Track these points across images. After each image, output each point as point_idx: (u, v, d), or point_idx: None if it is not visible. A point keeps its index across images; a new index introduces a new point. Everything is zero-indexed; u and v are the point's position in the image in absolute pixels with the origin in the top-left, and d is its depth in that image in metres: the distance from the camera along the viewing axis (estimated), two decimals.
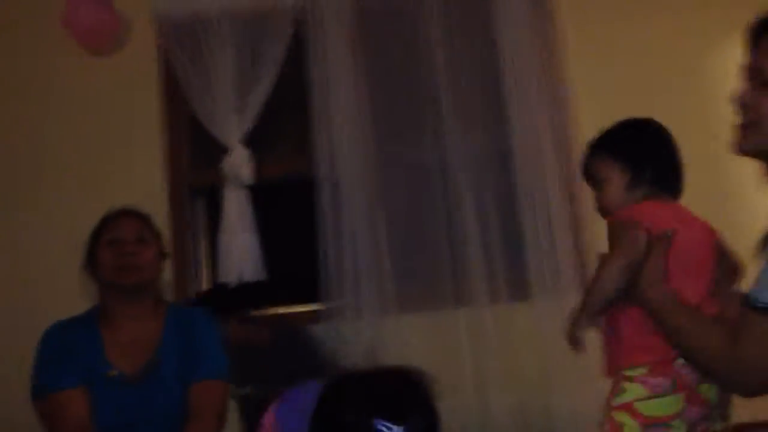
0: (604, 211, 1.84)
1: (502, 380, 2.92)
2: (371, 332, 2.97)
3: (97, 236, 1.96)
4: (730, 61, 1.63)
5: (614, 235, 1.68)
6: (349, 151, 3.08)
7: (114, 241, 1.90)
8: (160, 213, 3.14)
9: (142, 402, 1.80)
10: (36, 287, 2.85)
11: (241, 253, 3.05)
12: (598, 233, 3.06)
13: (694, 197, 1.84)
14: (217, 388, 1.89)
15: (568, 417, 2.83)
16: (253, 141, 3.12)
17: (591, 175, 1.85)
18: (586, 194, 3.10)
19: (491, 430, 2.85)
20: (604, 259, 1.69)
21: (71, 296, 2.04)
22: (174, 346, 1.90)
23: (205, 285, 3.26)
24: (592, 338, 2.91)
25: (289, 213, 3.30)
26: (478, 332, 2.98)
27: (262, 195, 3.15)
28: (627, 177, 1.73)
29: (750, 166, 1.55)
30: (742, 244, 1.68)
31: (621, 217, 1.70)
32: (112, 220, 1.97)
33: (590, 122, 3.05)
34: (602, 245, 2.89)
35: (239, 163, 3.05)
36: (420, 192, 3.13)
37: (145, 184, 3.15)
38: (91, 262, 1.95)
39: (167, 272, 3.02)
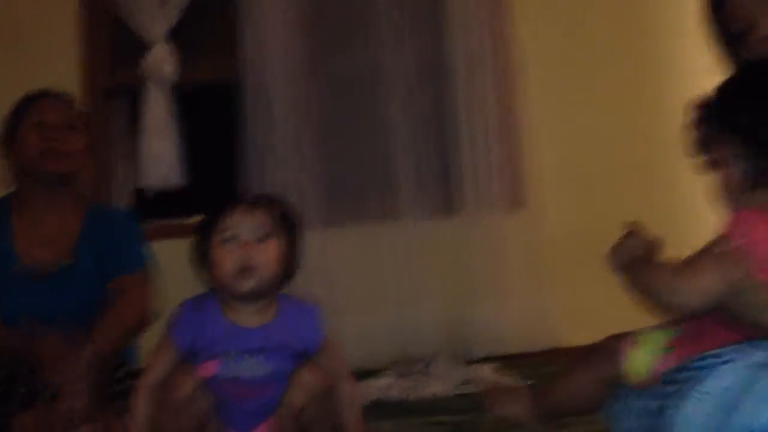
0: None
1: (428, 295, 2.90)
2: None
3: (19, 116, 1.76)
4: None
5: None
6: (277, 55, 2.95)
7: (42, 124, 1.74)
8: None
9: (54, 298, 1.66)
10: None
11: (161, 157, 2.92)
12: (531, 149, 3.16)
13: None
14: (140, 281, 1.75)
15: (491, 328, 2.84)
16: (177, 40, 2.96)
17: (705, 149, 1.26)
18: (522, 109, 3.13)
19: (417, 344, 2.84)
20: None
21: None
22: (92, 243, 1.75)
23: (124, 191, 3.13)
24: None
25: (212, 118, 3.16)
26: (404, 247, 2.94)
27: (184, 99, 3.01)
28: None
29: None
30: None
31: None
32: (39, 100, 1.79)
33: (532, 34, 3.08)
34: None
35: (161, 59, 2.90)
36: (350, 102, 3.03)
37: (59, 83, 2.97)
38: (9, 144, 1.78)
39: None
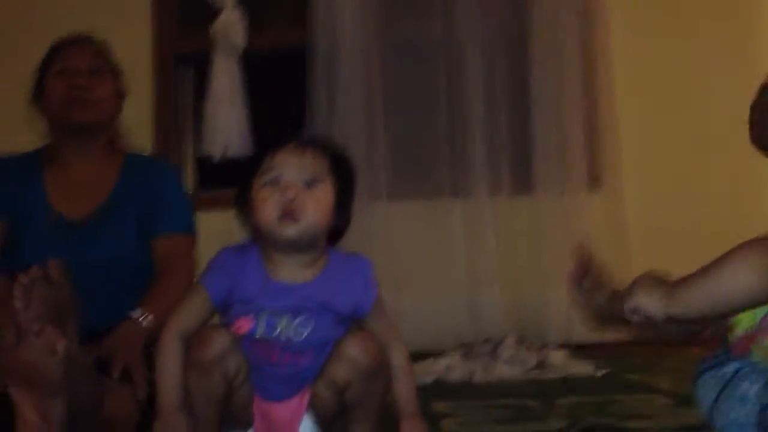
0: None
1: (497, 276, 2.74)
2: (359, 218, 2.78)
3: (45, 66, 1.70)
4: None
5: None
6: (350, 23, 2.84)
7: (64, 71, 1.67)
8: (143, 81, 2.99)
9: (88, 249, 1.59)
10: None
11: (227, 124, 2.85)
12: (615, 131, 2.98)
13: None
14: (185, 242, 1.66)
15: (561, 318, 2.67)
16: (246, 6, 2.87)
17: None
18: (605, 85, 2.95)
19: (483, 326, 2.69)
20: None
21: None
22: (131, 194, 1.67)
23: (189, 158, 3.08)
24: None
25: (281, 87, 3.07)
26: (474, 225, 2.80)
27: (252, 67, 2.93)
28: None
29: None
30: None
31: None
32: (63, 47, 1.73)
33: (620, 13, 2.89)
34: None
35: (231, 24, 2.82)
36: (423, 71, 2.89)
37: (128, 48, 2.92)
38: (39, 95, 1.72)
39: (147, 142, 2.95)
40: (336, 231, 1.21)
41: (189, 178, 3.09)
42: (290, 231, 1.12)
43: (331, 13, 2.85)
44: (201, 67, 2.99)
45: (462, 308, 2.77)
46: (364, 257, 1.22)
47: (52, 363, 1.17)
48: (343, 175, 1.19)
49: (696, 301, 0.97)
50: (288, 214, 1.12)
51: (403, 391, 1.18)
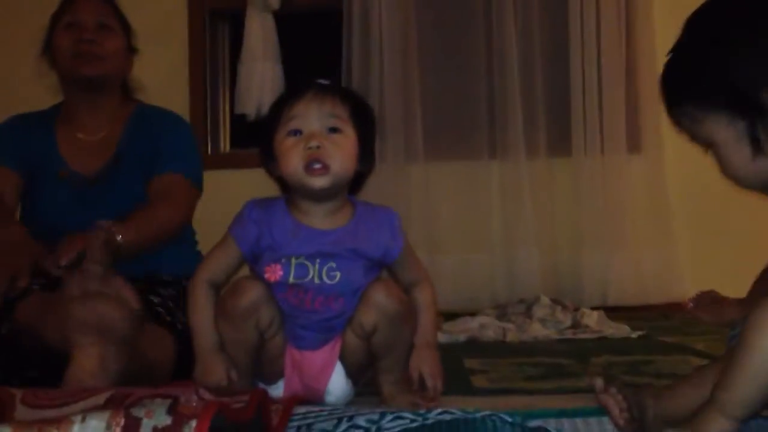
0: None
1: (533, 237, 2.72)
2: (395, 178, 2.77)
3: (55, 19, 1.68)
4: None
5: None
6: None
7: (73, 25, 1.66)
8: (179, 36, 2.99)
9: (98, 204, 1.59)
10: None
11: (261, 82, 2.83)
12: (655, 93, 2.88)
13: None
14: (181, 183, 1.61)
15: (597, 281, 2.64)
16: None
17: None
18: (646, 46, 2.86)
19: (518, 287, 2.68)
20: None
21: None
22: (136, 145, 1.65)
23: (222, 116, 3.08)
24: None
25: (316, 45, 3.04)
26: (512, 186, 2.76)
27: (287, 25, 2.91)
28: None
29: None
30: None
31: None
32: (73, 1, 1.71)
33: None
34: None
35: None
36: (460, 31, 2.84)
37: (164, 5, 2.94)
38: (49, 48, 1.72)
39: (182, 101, 2.95)
40: (360, 177, 1.20)
41: (225, 137, 3.11)
42: (319, 180, 1.11)
43: None
44: (236, 24, 2.98)
45: (498, 269, 2.75)
46: (391, 209, 1.21)
47: (126, 316, 1.20)
48: (364, 120, 1.18)
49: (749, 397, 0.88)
50: (315, 162, 1.11)
51: (423, 323, 1.20)
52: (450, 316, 2.39)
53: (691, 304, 1.51)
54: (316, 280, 1.12)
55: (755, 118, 0.90)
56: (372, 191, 2.58)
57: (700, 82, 0.95)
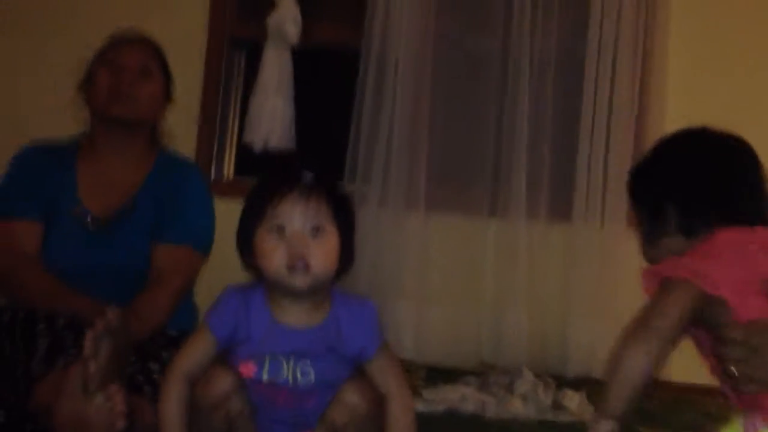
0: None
1: (524, 299, 2.71)
2: (394, 224, 2.77)
3: (99, 57, 1.73)
4: None
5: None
6: (405, 26, 2.80)
7: (114, 65, 1.68)
8: (195, 61, 3.00)
9: (109, 246, 1.60)
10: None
11: (272, 116, 2.84)
12: None
13: None
14: (184, 255, 1.64)
15: (584, 351, 2.63)
16: (304, 2, 2.85)
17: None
18: (655, 120, 2.88)
19: (504, 348, 2.68)
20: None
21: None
22: (153, 198, 1.67)
23: (229, 145, 3.08)
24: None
25: (330, 83, 3.05)
26: (508, 246, 2.76)
27: (304, 61, 2.92)
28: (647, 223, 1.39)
29: None
30: None
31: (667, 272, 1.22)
32: (119, 42, 1.74)
33: (682, 41, 2.80)
34: None
35: (286, 18, 2.81)
36: (474, 84, 2.85)
37: (183, 27, 2.95)
38: (88, 83, 1.73)
39: (191, 125, 2.96)
40: (343, 269, 1.21)
41: (230, 164, 3.11)
42: (301, 282, 1.12)
43: (389, 18, 2.81)
44: (253, 55, 2.99)
45: (485, 327, 2.75)
46: (369, 301, 1.22)
47: (113, 428, 1.20)
48: (345, 218, 1.18)
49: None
50: (298, 263, 1.11)
51: None
52: (432, 370, 2.39)
53: None
54: (290, 379, 1.13)
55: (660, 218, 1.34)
56: (370, 236, 2.69)
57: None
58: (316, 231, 1.14)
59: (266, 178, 1.21)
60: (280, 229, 1.14)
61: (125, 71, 1.66)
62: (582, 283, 2.69)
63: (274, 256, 1.13)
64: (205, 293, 1.67)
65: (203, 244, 1.69)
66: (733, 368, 1.16)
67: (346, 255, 1.19)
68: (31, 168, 1.70)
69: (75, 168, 1.69)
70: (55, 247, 1.61)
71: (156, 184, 1.69)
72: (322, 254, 1.14)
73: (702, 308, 1.15)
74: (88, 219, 1.63)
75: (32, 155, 1.73)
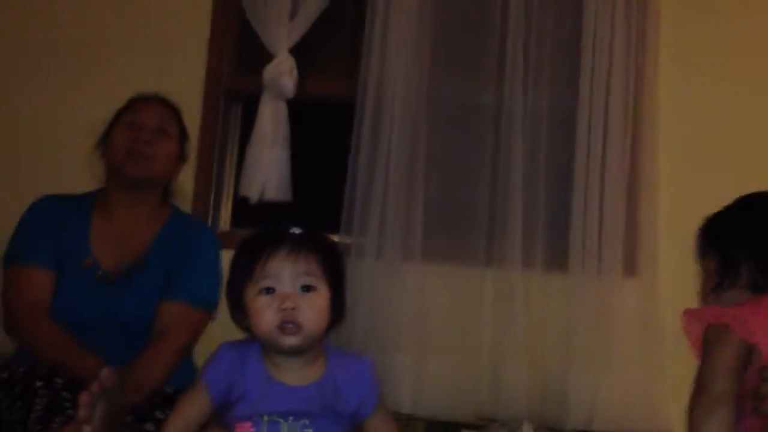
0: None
1: (522, 351, 2.69)
2: (390, 276, 2.77)
3: (118, 115, 1.78)
4: None
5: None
6: (400, 80, 2.84)
7: (132, 124, 1.71)
8: (192, 113, 3.01)
9: (118, 300, 1.61)
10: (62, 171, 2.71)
11: (268, 168, 2.86)
12: (653, 215, 2.93)
13: None
14: (189, 314, 1.67)
15: (584, 403, 2.61)
16: (300, 54, 2.90)
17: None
18: (647, 171, 2.92)
19: (502, 401, 2.65)
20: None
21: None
22: (164, 255, 1.69)
23: (226, 196, 3.09)
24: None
25: (326, 135, 3.08)
26: (504, 296, 2.76)
27: (301, 113, 2.95)
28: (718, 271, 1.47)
29: None
30: None
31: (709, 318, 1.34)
32: (138, 102, 1.78)
33: (671, 96, 2.85)
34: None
35: (282, 71, 2.85)
36: (468, 138, 2.87)
37: (181, 79, 2.99)
38: (105, 141, 1.76)
39: (187, 176, 2.97)
40: (333, 325, 1.21)
41: (225, 215, 3.11)
42: (292, 340, 1.12)
43: (383, 71, 2.85)
44: (250, 108, 3.02)
45: (484, 379, 2.72)
46: (365, 357, 1.21)
47: None
48: (335, 272, 1.18)
49: None
50: (288, 323, 1.11)
51: None
52: (431, 424, 2.37)
53: None
54: None
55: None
56: (367, 289, 2.68)
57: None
58: (307, 289, 1.14)
59: (254, 236, 1.22)
60: (271, 289, 1.14)
61: (143, 130, 1.69)
62: (580, 333, 2.68)
63: (265, 317, 1.13)
64: (204, 350, 1.67)
65: (209, 304, 1.70)
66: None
67: (337, 309, 1.19)
68: (47, 217, 1.73)
69: (89, 220, 1.71)
70: (66, 297, 1.62)
71: (167, 242, 1.71)
72: (313, 312, 1.14)
73: (746, 355, 1.23)
74: (99, 272, 1.64)
75: (48, 204, 1.75)
